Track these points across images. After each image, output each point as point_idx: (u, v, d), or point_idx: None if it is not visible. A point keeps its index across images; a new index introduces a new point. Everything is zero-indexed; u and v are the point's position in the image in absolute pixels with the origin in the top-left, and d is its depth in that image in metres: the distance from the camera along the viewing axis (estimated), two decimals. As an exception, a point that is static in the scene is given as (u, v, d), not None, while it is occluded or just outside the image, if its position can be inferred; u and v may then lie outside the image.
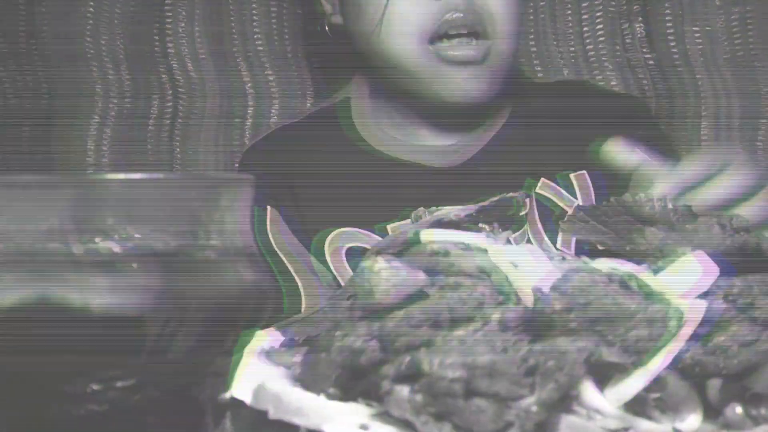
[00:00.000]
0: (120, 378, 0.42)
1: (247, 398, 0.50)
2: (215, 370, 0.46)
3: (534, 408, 0.42)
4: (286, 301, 1.02)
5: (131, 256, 0.42)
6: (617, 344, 0.46)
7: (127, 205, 0.43)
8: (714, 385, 0.49)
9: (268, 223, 1.06)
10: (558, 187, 1.06)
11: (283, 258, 1.05)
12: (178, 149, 1.35)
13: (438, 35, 0.98)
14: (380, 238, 0.99)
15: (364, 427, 0.45)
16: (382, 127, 1.11)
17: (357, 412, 0.47)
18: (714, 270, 0.51)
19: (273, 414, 0.48)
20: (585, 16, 1.33)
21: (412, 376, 0.44)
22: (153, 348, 0.43)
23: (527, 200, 1.03)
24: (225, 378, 0.47)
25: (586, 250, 0.95)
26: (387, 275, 0.49)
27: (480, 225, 0.63)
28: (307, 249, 1.06)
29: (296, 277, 1.05)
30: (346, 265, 1.05)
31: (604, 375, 0.47)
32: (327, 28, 1.11)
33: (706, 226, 0.54)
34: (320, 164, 1.09)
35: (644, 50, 1.32)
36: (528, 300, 0.50)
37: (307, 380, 0.50)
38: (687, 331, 0.47)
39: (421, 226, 0.61)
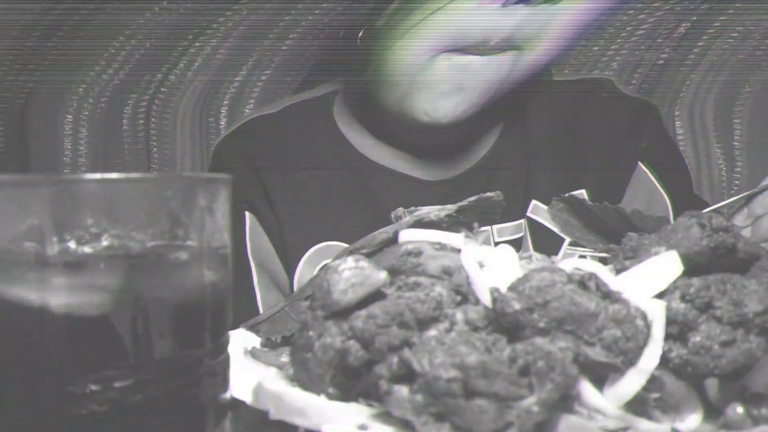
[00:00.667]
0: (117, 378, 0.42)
1: (246, 398, 0.50)
2: (209, 371, 0.45)
3: (534, 408, 0.43)
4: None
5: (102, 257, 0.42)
6: (597, 344, 0.46)
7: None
8: (713, 385, 0.50)
9: (247, 229, 1.00)
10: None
11: (254, 271, 0.99)
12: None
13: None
14: None
15: (363, 427, 0.45)
16: (365, 134, 1.03)
17: (357, 412, 0.47)
18: (678, 270, 0.51)
19: (274, 414, 0.48)
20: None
21: (408, 376, 0.44)
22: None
23: (515, 223, 0.98)
24: (221, 378, 0.47)
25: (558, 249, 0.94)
26: (348, 275, 0.49)
27: (446, 226, 0.63)
28: (283, 261, 1.00)
29: (258, 292, 0.98)
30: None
31: (598, 375, 0.47)
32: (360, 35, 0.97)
33: (685, 226, 0.55)
34: (301, 165, 1.02)
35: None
36: (486, 300, 0.50)
37: (303, 381, 0.51)
38: (659, 329, 0.48)
39: (401, 226, 0.61)
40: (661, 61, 1.34)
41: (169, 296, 0.44)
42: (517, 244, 0.96)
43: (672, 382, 0.48)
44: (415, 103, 0.90)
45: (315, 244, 0.97)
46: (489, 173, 1.00)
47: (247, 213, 1.00)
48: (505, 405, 0.42)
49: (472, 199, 0.62)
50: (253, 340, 0.61)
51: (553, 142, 1.02)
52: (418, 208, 0.62)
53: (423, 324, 0.48)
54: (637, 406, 0.48)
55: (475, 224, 0.63)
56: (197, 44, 1.34)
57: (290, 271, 0.98)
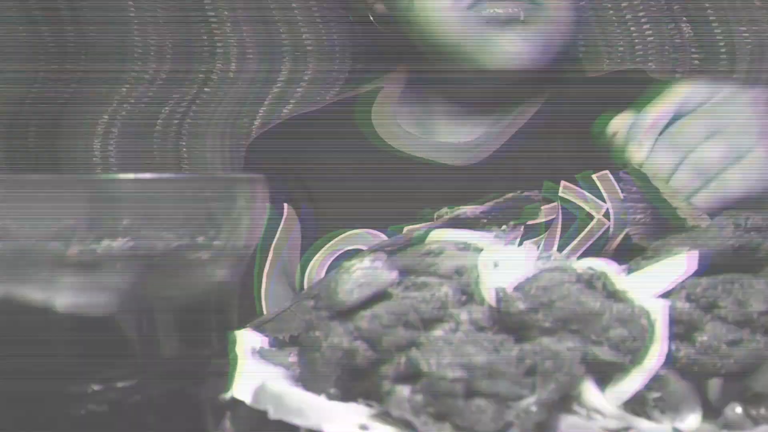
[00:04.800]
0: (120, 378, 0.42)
1: (247, 398, 0.50)
2: (215, 370, 0.46)
3: (534, 408, 0.42)
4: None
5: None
6: (604, 343, 0.46)
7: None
8: (714, 384, 0.49)
9: (282, 221, 1.02)
10: (581, 190, 0.97)
11: (268, 261, 1.01)
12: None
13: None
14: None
15: (363, 427, 0.45)
16: (400, 122, 1.05)
17: (357, 412, 0.47)
18: (684, 270, 0.51)
19: (273, 414, 0.48)
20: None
21: (412, 376, 0.44)
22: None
23: (549, 206, 0.96)
24: (226, 378, 0.47)
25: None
26: (358, 275, 0.49)
27: (485, 223, 0.63)
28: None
29: (263, 281, 1.00)
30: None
31: (603, 374, 0.47)
32: (372, 19, 1.04)
33: (720, 225, 0.54)
34: (327, 159, 1.04)
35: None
36: (490, 299, 0.50)
37: (308, 380, 0.51)
38: (662, 328, 0.48)
39: (438, 225, 0.61)
40: (696, 61, 1.33)
41: (176, 295, 0.44)
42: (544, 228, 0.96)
43: (674, 382, 0.48)
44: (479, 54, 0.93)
45: (345, 231, 0.99)
46: (515, 156, 1.00)
47: (285, 205, 1.02)
48: (505, 405, 0.42)
49: (509, 196, 0.62)
50: (262, 340, 0.60)
51: (580, 127, 1.00)
52: (460, 207, 0.62)
53: (428, 324, 0.48)
54: (637, 405, 0.47)
55: (510, 223, 0.63)
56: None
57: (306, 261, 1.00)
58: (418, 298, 0.48)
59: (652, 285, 0.50)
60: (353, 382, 0.48)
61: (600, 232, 0.96)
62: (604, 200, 0.96)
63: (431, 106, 1.04)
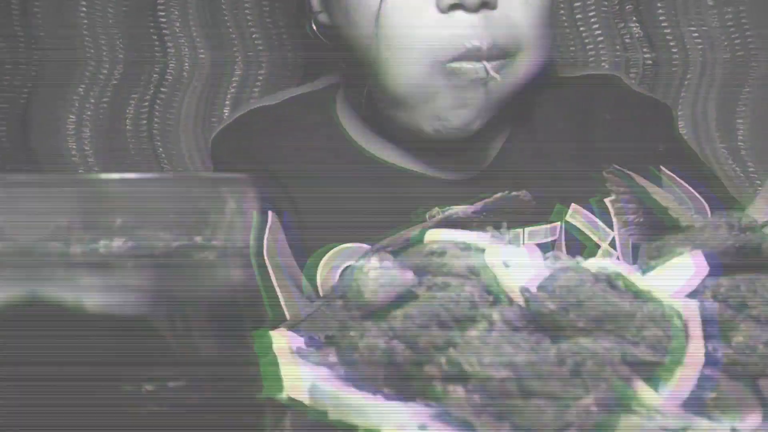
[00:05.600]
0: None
1: (303, 398, 0.50)
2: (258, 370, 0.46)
3: (593, 408, 0.42)
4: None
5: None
6: (641, 343, 0.46)
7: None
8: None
9: (267, 228, 0.95)
10: (592, 216, 0.94)
11: (270, 269, 0.94)
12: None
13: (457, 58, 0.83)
14: None
15: (423, 427, 0.45)
16: (369, 132, 0.99)
17: (416, 412, 0.47)
18: (704, 270, 0.51)
19: (333, 414, 0.48)
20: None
21: (460, 376, 0.44)
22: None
23: (550, 226, 0.95)
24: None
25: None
26: (375, 275, 0.49)
27: (480, 225, 0.63)
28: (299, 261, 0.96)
29: (278, 291, 0.93)
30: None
31: (649, 375, 0.47)
32: (314, 27, 0.96)
33: (714, 225, 0.54)
34: (301, 161, 0.98)
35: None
36: (518, 300, 0.50)
37: (356, 380, 0.50)
38: (696, 327, 0.47)
39: (430, 225, 0.61)
40: (649, 61, 1.34)
41: (202, 296, 0.44)
42: (546, 248, 0.94)
43: (726, 382, 0.48)
44: (419, 116, 0.86)
45: (335, 245, 0.93)
46: (506, 173, 0.96)
47: (270, 213, 0.96)
48: (564, 404, 0.42)
49: (498, 196, 0.62)
50: (297, 340, 0.60)
51: (566, 141, 0.99)
52: (451, 207, 0.62)
53: (461, 324, 0.48)
54: (696, 406, 0.47)
55: (504, 224, 0.63)
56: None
57: (305, 270, 0.95)
58: (446, 298, 0.49)
59: (672, 284, 0.51)
60: (403, 382, 0.48)
61: None
62: (611, 227, 0.92)
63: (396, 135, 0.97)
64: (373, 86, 0.90)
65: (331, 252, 0.93)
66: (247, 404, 0.45)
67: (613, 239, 0.91)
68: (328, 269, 0.92)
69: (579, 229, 0.94)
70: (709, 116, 1.32)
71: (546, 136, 0.99)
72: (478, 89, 0.82)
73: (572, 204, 0.93)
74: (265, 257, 0.95)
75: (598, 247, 0.92)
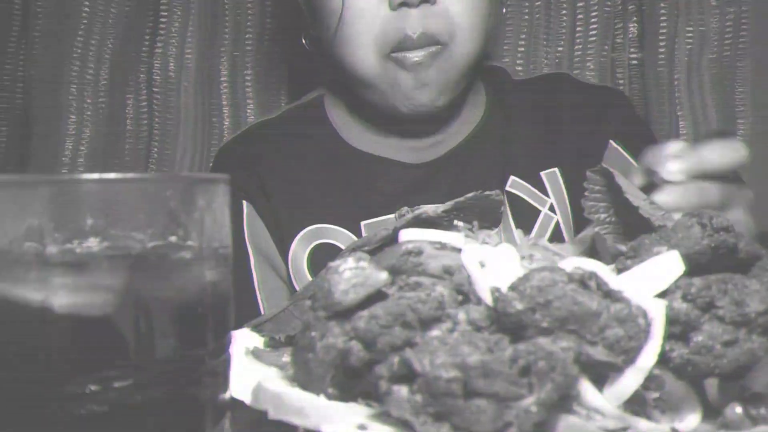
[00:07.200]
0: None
1: (246, 398, 0.50)
2: (210, 371, 0.45)
3: (534, 408, 0.42)
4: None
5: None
6: (599, 343, 0.46)
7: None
8: (713, 384, 0.50)
9: (244, 217, 1.06)
10: (529, 185, 1.06)
11: (251, 255, 1.05)
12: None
13: (397, 48, 0.96)
14: (353, 236, 1.00)
15: (362, 427, 0.45)
16: (355, 126, 1.11)
17: (356, 412, 0.47)
18: (679, 270, 0.51)
19: (273, 414, 0.48)
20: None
21: (408, 376, 0.44)
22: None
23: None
24: (222, 378, 0.47)
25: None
26: (349, 275, 0.49)
27: (456, 223, 0.63)
28: (282, 248, 1.06)
29: (255, 276, 1.04)
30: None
31: (598, 374, 0.47)
32: (305, 40, 1.10)
33: (685, 226, 0.54)
34: (296, 161, 1.09)
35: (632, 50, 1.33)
36: (488, 300, 0.50)
37: (304, 380, 0.51)
38: (659, 328, 0.48)
39: (401, 224, 0.61)
40: (635, 61, 1.35)
41: (171, 296, 0.44)
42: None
43: (672, 382, 0.48)
44: (393, 99, 0.99)
45: (307, 226, 1.05)
46: (469, 155, 1.08)
47: (244, 202, 1.06)
48: (504, 405, 0.42)
49: (470, 196, 0.62)
50: (257, 340, 0.60)
51: (528, 126, 1.10)
52: (420, 206, 0.62)
53: (425, 324, 0.48)
54: (637, 405, 0.47)
55: (475, 223, 0.63)
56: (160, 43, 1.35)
57: (284, 253, 1.05)
58: (415, 298, 0.49)
59: (646, 284, 0.50)
60: (350, 382, 0.49)
61: (552, 225, 1.03)
62: (548, 195, 1.05)
63: (372, 122, 1.09)
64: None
65: (303, 231, 1.04)
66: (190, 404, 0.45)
67: (552, 205, 1.04)
68: (300, 247, 1.03)
69: (519, 197, 1.04)
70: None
71: (513, 122, 1.09)
72: (429, 71, 0.95)
73: (510, 176, 1.04)
74: (247, 242, 1.00)
75: (539, 212, 1.03)
